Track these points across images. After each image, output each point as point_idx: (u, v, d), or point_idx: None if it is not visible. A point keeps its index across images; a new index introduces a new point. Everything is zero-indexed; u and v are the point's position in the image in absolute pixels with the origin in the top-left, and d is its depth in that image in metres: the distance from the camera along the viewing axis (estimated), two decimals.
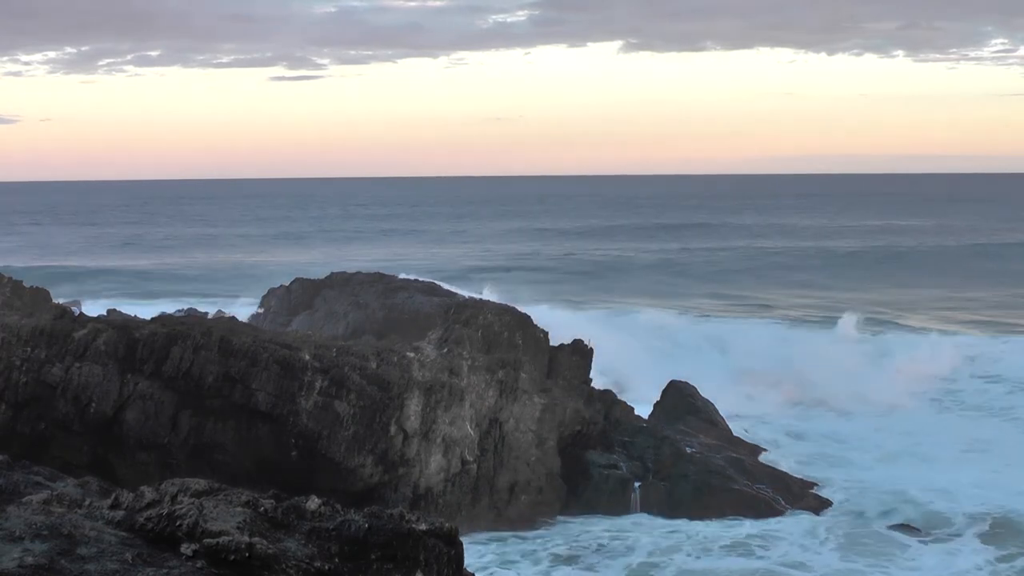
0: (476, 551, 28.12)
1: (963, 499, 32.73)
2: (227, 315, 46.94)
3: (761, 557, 28.56)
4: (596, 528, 30.69)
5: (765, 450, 38.76)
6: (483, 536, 29.87)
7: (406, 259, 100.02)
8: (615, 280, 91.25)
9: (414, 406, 30.46)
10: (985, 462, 37.49)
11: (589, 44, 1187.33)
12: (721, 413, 39.61)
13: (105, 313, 45.57)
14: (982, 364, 53.53)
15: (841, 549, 29.23)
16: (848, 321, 59.31)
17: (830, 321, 62.30)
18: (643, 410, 37.78)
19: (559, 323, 45.55)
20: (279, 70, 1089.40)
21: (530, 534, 30.47)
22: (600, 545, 29.38)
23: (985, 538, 30.08)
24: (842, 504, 33.03)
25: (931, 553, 29.18)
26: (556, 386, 34.48)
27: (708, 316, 68.62)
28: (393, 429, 30.14)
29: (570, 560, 28.55)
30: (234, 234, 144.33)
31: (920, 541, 29.97)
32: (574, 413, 33.55)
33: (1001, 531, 30.53)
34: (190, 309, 54.65)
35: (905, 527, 30.88)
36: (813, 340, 55.85)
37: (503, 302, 41.39)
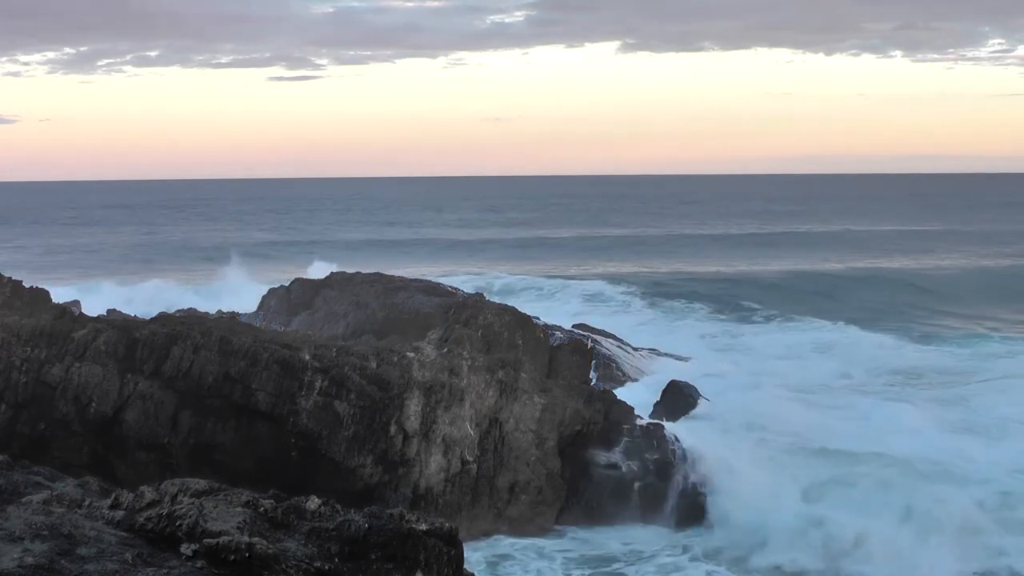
0: (477, 552, 28.16)
1: None
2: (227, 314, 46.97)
3: None
4: (596, 534, 30.72)
5: None
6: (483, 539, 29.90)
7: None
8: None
9: (414, 406, 30.46)
10: None
11: (587, 44, 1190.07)
12: None
13: (105, 313, 45.59)
14: None
15: None
16: None
17: None
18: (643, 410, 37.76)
19: None
20: (278, 70, 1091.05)
21: (529, 538, 30.49)
22: (601, 553, 29.48)
23: None
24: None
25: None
26: (556, 386, 34.47)
27: None
28: (393, 429, 30.14)
29: (572, 568, 28.58)
30: (248, 242, 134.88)
31: None
32: (574, 413, 33.54)
33: None
34: (190, 309, 54.64)
35: None
36: None
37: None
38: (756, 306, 72.03)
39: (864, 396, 45.22)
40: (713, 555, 29.19)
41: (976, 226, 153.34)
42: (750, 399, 43.03)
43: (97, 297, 62.39)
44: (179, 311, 46.79)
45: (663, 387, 40.91)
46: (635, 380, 47.84)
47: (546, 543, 30.22)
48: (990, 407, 41.98)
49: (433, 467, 30.51)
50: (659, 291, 77.28)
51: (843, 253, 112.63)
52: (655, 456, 32.94)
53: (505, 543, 29.92)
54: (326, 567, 9.78)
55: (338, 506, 10.69)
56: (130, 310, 50.69)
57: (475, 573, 11.59)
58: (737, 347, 59.29)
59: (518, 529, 30.84)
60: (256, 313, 56.18)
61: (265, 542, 9.70)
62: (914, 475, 32.41)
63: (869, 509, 30.41)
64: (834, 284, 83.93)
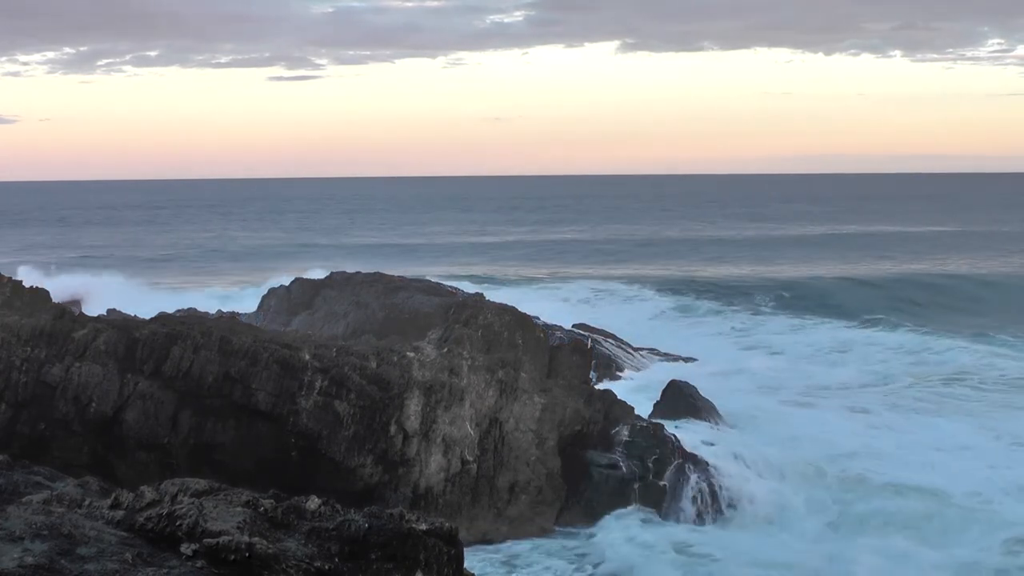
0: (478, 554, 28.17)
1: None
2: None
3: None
4: (597, 533, 30.67)
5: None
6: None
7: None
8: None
9: (414, 406, 30.45)
10: None
11: (586, 44, 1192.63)
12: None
13: (105, 312, 45.58)
14: None
15: None
16: None
17: None
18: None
19: None
20: (277, 70, 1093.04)
21: (530, 540, 30.48)
22: (601, 550, 29.44)
23: None
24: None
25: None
26: (556, 386, 34.47)
27: None
28: (393, 429, 30.13)
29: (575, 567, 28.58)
30: (254, 244, 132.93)
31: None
32: (574, 413, 33.54)
33: None
34: (190, 309, 54.65)
35: None
36: None
37: None
38: (771, 306, 71.89)
39: (880, 402, 44.50)
40: (711, 556, 29.09)
41: (981, 227, 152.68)
42: (758, 403, 42.85)
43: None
44: (179, 311, 46.80)
45: (663, 387, 40.94)
46: (635, 380, 47.91)
47: (554, 543, 30.18)
48: (1008, 419, 40.96)
49: (433, 467, 30.50)
50: (672, 291, 77.23)
51: (855, 254, 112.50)
52: (655, 456, 32.94)
53: (514, 545, 29.85)
54: (326, 567, 9.77)
55: (338, 506, 10.68)
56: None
57: (476, 573, 11.58)
58: (755, 345, 59.31)
59: (518, 529, 30.84)
60: (256, 313, 56.20)
61: (265, 542, 9.70)
62: (949, 509, 30.36)
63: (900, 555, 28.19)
64: (850, 285, 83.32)
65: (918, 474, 33.45)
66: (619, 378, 47.86)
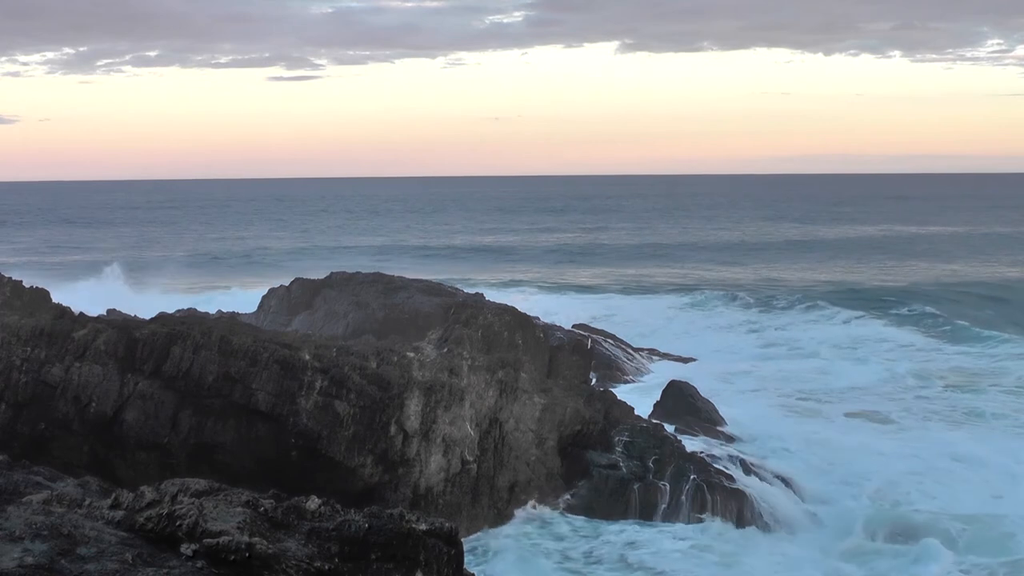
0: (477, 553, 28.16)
1: None
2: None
3: None
4: (598, 532, 30.65)
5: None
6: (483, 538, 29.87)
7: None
8: None
9: (414, 406, 30.44)
10: None
11: (585, 44, 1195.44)
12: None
13: (105, 313, 45.57)
14: None
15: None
16: None
17: None
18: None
19: None
20: (277, 70, 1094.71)
21: (530, 535, 30.45)
22: (599, 547, 29.40)
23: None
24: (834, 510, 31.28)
25: None
26: (556, 386, 34.48)
27: None
28: (393, 429, 30.12)
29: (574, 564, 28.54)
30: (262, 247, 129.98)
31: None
32: (574, 413, 33.55)
33: None
34: (190, 309, 54.63)
35: None
36: None
37: None
38: (779, 306, 71.87)
39: (895, 406, 43.78)
40: (708, 557, 29.04)
41: (986, 227, 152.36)
42: (761, 404, 42.69)
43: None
44: (179, 311, 46.77)
45: (663, 387, 40.98)
46: (635, 381, 47.94)
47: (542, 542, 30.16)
48: None
49: (433, 467, 30.50)
50: (678, 291, 77.18)
51: (860, 253, 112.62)
52: (655, 456, 32.94)
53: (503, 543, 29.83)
54: (326, 567, 9.77)
55: (338, 506, 10.69)
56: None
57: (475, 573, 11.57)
58: (763, 346, 59.28)
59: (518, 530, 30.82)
60: (256, 313, 56.18)
61: (265, 542, 9.70)
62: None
63: None
64: (858, 285, 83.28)
65: (961, 496, 31.56)
66: (619, 378, 47.89)
